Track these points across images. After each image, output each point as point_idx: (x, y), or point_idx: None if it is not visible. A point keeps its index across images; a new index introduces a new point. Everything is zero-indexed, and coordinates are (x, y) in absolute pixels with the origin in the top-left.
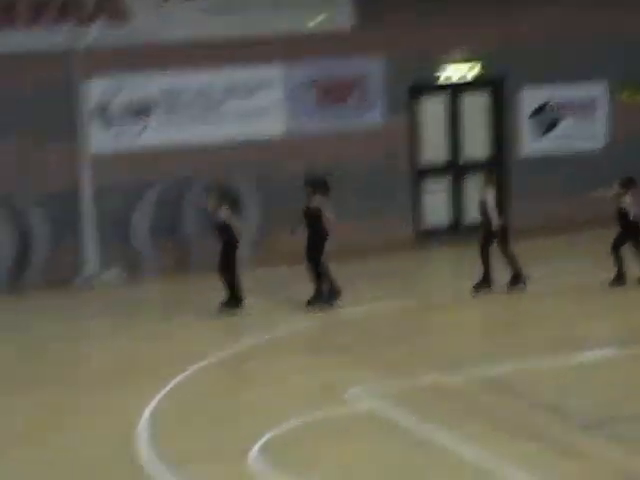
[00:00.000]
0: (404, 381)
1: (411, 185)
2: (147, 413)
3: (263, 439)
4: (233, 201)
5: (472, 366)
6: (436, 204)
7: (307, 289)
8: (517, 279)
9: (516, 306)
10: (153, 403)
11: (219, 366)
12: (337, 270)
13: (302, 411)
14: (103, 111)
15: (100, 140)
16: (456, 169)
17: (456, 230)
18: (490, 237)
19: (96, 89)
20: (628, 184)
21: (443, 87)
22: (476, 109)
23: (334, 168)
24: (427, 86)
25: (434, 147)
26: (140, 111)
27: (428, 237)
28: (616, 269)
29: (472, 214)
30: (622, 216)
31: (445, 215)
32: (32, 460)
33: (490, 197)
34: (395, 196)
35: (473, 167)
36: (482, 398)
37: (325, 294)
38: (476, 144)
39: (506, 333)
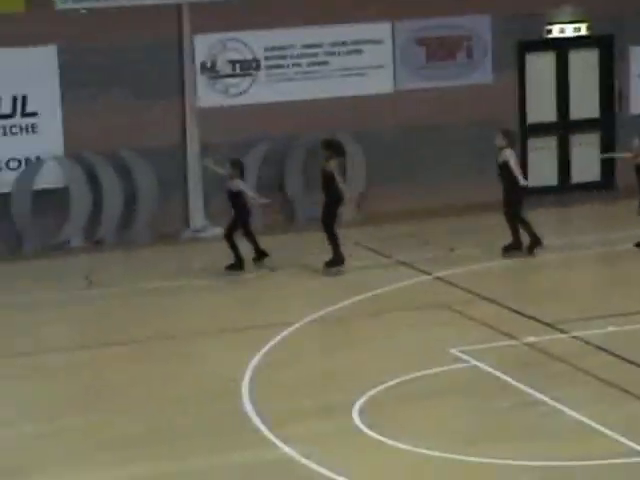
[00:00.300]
0: (510, 341)
1: (518, 143)
2: (252, 367)
3: (368, 395)
4: (242, 169)
5: (579, 327)
6: (543, 163)
7: (415, 246)
8: (515, 247)
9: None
10: (258, 357)
11: (324, 323)
12: (441, 227)
13: (408, 368)
14: (210, 66)
15: (207, 96)
16: (564, 127)
17: (562, 189)
18: (514, 199)
19: (204, 44)
20: None
21: (551, 44)
22: (584, 67)
23: (442, 126)
24: (535, 43)
25: (541, 105)
26: (247, 67)
27: (534, 196)
28: None
29: (579, 173)
30: None
31: (552, 174)
32: (139, 410)
33: (512, 158)
34: None
35: (581, 125)
36: (588, 360)
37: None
38: (584, 102)
39: (616, 294)
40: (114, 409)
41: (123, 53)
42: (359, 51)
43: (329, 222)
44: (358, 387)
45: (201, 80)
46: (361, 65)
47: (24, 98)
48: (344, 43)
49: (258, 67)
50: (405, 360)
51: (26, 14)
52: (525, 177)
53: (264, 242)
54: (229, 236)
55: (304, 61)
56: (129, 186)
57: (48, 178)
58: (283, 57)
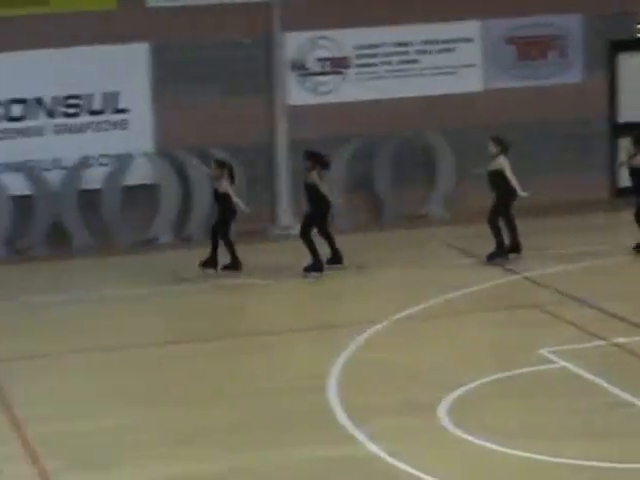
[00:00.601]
0: (599, 341)
1: (608, 143)
2: (339, 364)
3: (453, 395)
4: (232, 171)
5: None
6: None
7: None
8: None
9: None
10: (345, 355)
11: (411, 321)
12: (530, 225)
13: (493, 368)
14: (300, 64)
15: (296, 93)
16: None
17: None
18: (504, 203)
19: (294, 41)
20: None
21: None
22: None
23: (532, 125)
24: (627, 43)
25: (632, 105)
26: (337, 65)
27: (623, 196)
28: None
29: None
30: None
31: None
32: (225, 404)
33: (507, 166)
34: (592, 154)
35: None
36: None
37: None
38: None
39: None
40: (200, 403)
41: (213, 50)
42: (450, 50)
43: (307, 231)
44: (444, 385)
45: (291, 78)
46: (451, 64)
47: (115, 95)
48: (435, 41)
49: (348, 65)
50: (493, 359)
51: (118, 12)
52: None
53: (353, 241)
54: (214, 234)
55: (394, 59)
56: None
57: (138, 175)
58: (374, 55)
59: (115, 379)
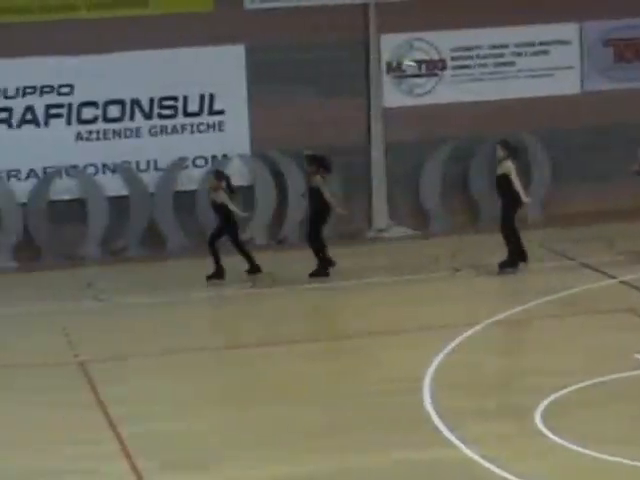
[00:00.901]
0: None
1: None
2: (434, 367)
3: (548, 399)
4: (229, 182)
5: None
6: None
7: (600, 249)
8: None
9: None
10: (440, 357)
11: (508, 324)
12: (628, 229)
13: (588, 372)
14: (396, 66)
15: (392, 95)
16: None
17: None
18: (511, 211)
19: (390, 44)
20: None
21: None
22: None
23: (627, 127)
24: None
25: None
26: (433, 67)
27: None
28: None
29: None
30: None
31: None
32: (320, 405)
33: (513, 171)
34: None
35: None
36: None
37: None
38: None
39: None
40: (293, 404)
41: (309, 52)
42: (546, 52)
43: (316, 237)
44: (540, 389)
45: (386, 80)
46: (548, 66)
47: (212, 96)
48: (531, 44)
49: (444, 67)
50: (588, 364)
51: (215, 13)
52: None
53: (448, 243)
54: (212, 244)
55: (490, 61)
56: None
57: (234, 176)
58: (469, 57)
59: (208, 380)
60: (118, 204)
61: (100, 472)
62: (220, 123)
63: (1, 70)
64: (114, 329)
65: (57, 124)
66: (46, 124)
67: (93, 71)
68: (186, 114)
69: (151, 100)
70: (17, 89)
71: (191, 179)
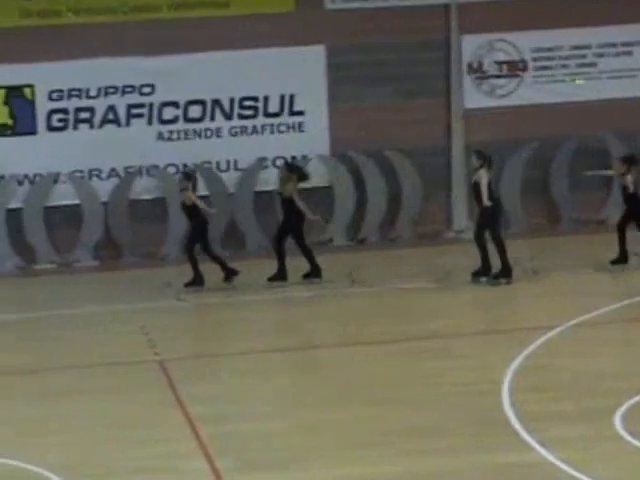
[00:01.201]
0: None
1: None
2: (514, 369)
3: (631, 402)
4: (195, 183)
5: None
6: None
7: None
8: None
9: None
10: (520, 359)
11: (591, 326)
12: None
13: None
14: (477, 67)
15: (473, 96)
16: None
17: None
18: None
19: (471, 45)
20: (629, 161)
21: None
22: None
23: None
24: None
25: None
26: (514, 68)
27: None
28: None
29: None
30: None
31: None
32: (398, 407)
33: (484, 179)
34: None
35: None
36: None
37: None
38: None
39: None
40: (375, 406)
41: (390, 53)
42: (629, 53)
43: (301, 240)
44: (621, 393)
45: (467, 81)
46: (631, 67)
47: (292, 97)
48: (613, 44)
49: (525, 68)
50: None
51: (295, 14)
52: (492, 199)
53: (528, 245)
54: (190, 250)
55: (572, 62)
56: (393, 186)
57: (313, 177)
58: (551, 58)
59: (288, 380)
60: None
61: (180, 471)
62: (300, 124)
63: (83, 70)
64: (194, 328)
65: (138, 124)
66: (127, 124)
67: (174, 71)
68: (266, 114)
69: (231, 100)
70: (99, 89)
71: (271, 179)
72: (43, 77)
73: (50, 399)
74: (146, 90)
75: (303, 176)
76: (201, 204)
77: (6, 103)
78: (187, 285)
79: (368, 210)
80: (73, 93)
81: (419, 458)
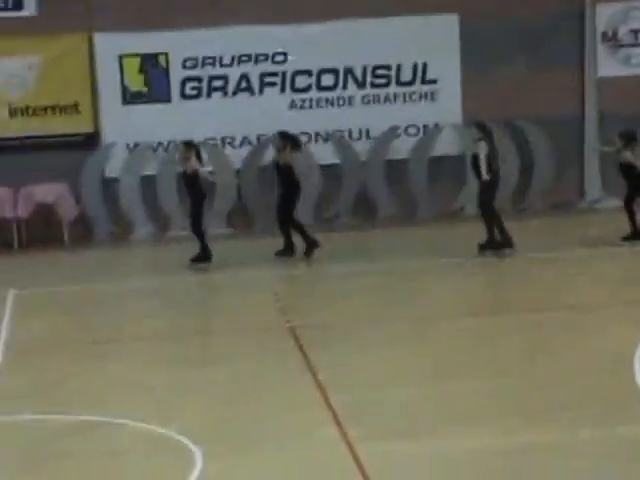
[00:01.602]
0: None
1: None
2: None
3: None
4: (199, 152)
5: None
6: None
7: None
8: (490, 245)
9: None
10: None
11: None
12: None
13: None
14: (612, 36)
15: (607, 64)
16: None
17: None
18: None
19: (606, 13)
20: (628, 137)
21: None
22: None
23: None
24: None
25: None
26: None
27: None
28: None
29: None
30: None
31: None
32: (529, 379)
33: (483, 151)
34: None
35: None
36: None
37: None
38: None
39: None
40: (504, 377)
41: (523, 21)
42: None
43: (288, 215)
44: None
45: (601, 49)
46: None
47: (424, 66)
48: None
49: None
50: None
51: None
52: (491, 171)
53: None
54: (195, 226)
55: None
56: (525, 155)
57: (445, 145)
58: None
59: (420, 351)
60: (330, 172)
61: (313, 437)
62: (433, 92)
63: (217, 38)
64: (325, 296)
65: (271, 92)
66: (260, 92)
67: (307, 40)
68: (399, 83)
69: (364, 69)
70: (232, 57)
71: (403, 148)
72: (177, 45)
73: (192, 365)
74: (279, 58)
75: (297, 144)
76: (203, 174)
77: (141, 71)
78: (193, 261)
79: (500, 179)
80: (207, 61)
81: (549, 430)
